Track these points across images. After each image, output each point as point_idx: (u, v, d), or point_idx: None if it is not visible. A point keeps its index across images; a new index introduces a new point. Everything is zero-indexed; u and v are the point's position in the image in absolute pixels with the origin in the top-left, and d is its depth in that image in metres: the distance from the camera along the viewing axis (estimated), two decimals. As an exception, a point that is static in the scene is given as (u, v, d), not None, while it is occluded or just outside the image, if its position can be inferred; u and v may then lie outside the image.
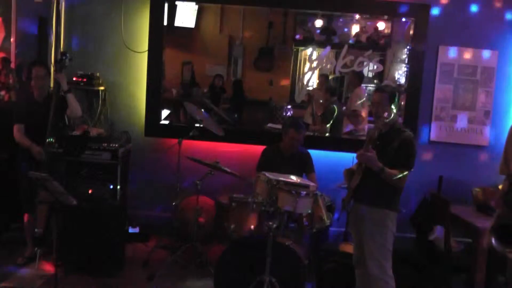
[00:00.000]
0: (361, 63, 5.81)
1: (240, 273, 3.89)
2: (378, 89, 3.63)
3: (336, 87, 7.08)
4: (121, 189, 5.06)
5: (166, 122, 5.80)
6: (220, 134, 4.93)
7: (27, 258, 4.50)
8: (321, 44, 7.50)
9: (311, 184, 3.87)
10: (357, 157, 3.44)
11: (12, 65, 5.42)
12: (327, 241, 4.82)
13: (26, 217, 4.51)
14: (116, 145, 5.07)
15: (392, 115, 3.49)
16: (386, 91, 3.52)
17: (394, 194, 3.53)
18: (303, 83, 7.08)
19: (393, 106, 3.50)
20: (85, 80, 5.34)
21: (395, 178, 3.38)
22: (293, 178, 3.92)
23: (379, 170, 3.34)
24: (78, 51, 5.49)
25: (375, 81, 7.68)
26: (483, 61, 5.42)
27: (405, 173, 3.41)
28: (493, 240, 3.53)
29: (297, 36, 7.84)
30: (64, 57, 4.37)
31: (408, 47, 5.63)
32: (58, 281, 3.63)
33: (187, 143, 4.82)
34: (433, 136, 5.50)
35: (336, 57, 6.08)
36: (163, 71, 5.76)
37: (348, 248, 4.30)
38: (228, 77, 8.14)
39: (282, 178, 3.79)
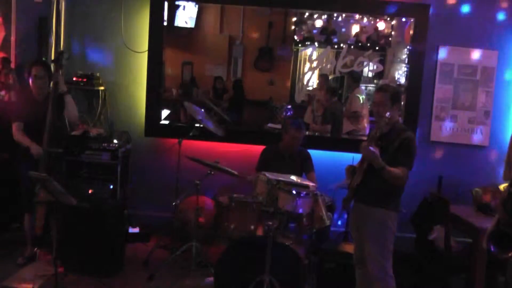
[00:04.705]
0: (361, 63, 5.81)
1: (240, 273, 3.89)
2: (380, 89, 3.62)
3: (337, 87, 7.09)
4: (121, 189, 5.06)
5: (166, 122, 5.79)
6: (220, 134, 4.93)
7: (27, 258, 4.50)
8: (321, 44, 7.52)
9: (311, 184, 3.87)
10: (361, 149, 3.42)
11: (12, 65, 5.42)
12: (327, 241, 4.81)
13: (26, 217, 4.50)
14: (116, 145, 5.07)
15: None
16: (388, 91, 3.52)
17: (395, 194, 3.53)
18: (303, 83, 7.09)
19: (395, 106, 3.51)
20: (85, 80, 5.34)
21: (395, 176, 3.37)
22: (293, 178, 3.92)
23: (380, 167, 3.33)
24: (78, 51, 5.49)
25: (375, 81, 7.69)
26: (483, 61, 5.42)
27: (405, 171, 3.40)
28: (492, 247, 3.52)
29: (297, 36, 7.85)
30: (61, 56, 4.37)
31: (408, 47, 5.63)
32: (58, 281, 3.63)
33: (187, 143, 4.82)
34: (433, 136, 5.50)
35: (336, 57, 6.07)
36: (163, 71, 5.76)
37: (348, 248, 4.30)
38: (228, 77, 8.16)
39: (282, 178, 3.79)
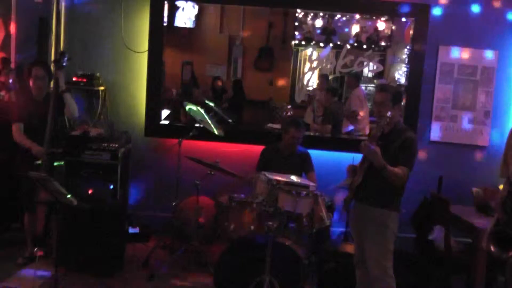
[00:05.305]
0: (361, 63, 5.81)
1: (240, 273, 3.89)
2: (381, 89, 3.61)
3: (337, 87, 7.09)
4: (121, 189, 5.05)
5: (166, 122, 5.80)
6: (220, 134, 4.93)
7: (27, 258, 4.50)
8: (321, 44, 7.52)
9: (311, 184, 3.87)
10: (361, 148, 3.41)
11: (12, 65, 5.42)
12: (327, 241, 4.81)
13: (26, 217, 4.50)
14: (116, 145, 5.06)
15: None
16: (389, 91, 3.52)
17: (396, 194, 3.52)
18: (303, 83, 7.09)
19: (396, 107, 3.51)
20: (85, 80, 5.33)
21: (395, 176, 3.36)
22: (293, 178, 3.92)
23: (381, 167, 3.33)
24: (78, 51, 5.49)
25: (375, 81, 7.70)
26: (483, 61, 5.42)
27: (406, 171, 3.40)
28: (491, 247, 3.53)
29: (297, 36, 7.85)
30: (62, 57, 4.37)
31: (408, 47, 5.63)
32: (58, 281, 3.63)
33: (187, 143, 4.82)
34: (433, 136, 5.50)
35: (336, 57, 6.08)
36: (163, 71, 5.76)
37: (348, 248, 4.30)
38: (228, 77, 8.16)
39: (282, 178, 3.79)
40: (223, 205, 4.37)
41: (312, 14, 7.46)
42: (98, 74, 5.44)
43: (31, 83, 4.39)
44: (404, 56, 6.10)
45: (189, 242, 4.63)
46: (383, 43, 7.53)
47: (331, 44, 6.93)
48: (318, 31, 7.69)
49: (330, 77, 7.13)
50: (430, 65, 5.39)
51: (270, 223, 3.62)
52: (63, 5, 5.48)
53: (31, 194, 4.19)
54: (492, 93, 5.46)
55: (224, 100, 7.53)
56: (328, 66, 6.12)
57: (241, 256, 3.93)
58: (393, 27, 7.27)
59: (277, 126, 5.86)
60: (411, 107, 5.37)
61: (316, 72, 6.75)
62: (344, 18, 7.11)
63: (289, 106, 7.04)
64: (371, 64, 6.25)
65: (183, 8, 7.07)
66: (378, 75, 7.68)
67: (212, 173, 4.65)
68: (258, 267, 3.67)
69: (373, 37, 7.47)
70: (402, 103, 5.28)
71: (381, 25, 7.19)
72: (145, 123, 5.51)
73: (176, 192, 4.79)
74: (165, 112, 5.95)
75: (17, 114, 4.39)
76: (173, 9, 6.62)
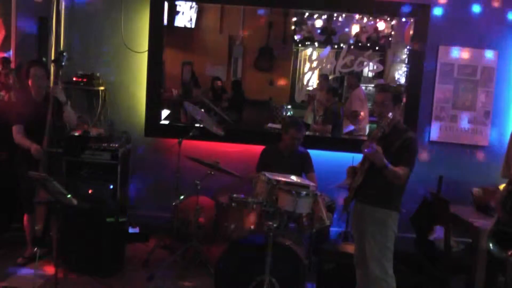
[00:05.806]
0: (361, 63, 5.81)
1: (240, 273, 3.89)
2: (381, 89, 3.61)
3: (337, 87, 7.10)
4: (121, 189, 5.06)
5: (166, 122, 5.80)
6: (220, 134, 4.93)
7: (27, 258, 4.50)
8: (321, 44, 7.53)
9: (311, 184, 3.87)
10: (363, 148, 3.41)
11: (12, 65, 5.41)
12: (327, 241, 4.81)
13: (26, 217, 4.50)
14: (116, 145, 5.07)
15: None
16: (389, 91, 3.52)
17: (397, 194, 3.53)
18: (303, 83, 7.10)
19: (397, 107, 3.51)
20: (85, 80, 5.34)
21: (396, 175, 3.36)
22: (293, 178, 3.92)
23: (382, 166, 3.33)
24: (78, 51, 5.49)
25: (374, 81, 7.71)
26: (483, 61, 5.42)
27: (406, 171, 3.40)
28: (491, 245, 3.53)
29: (297, 36, 7.86)
30: (61, 57, 4.36)
31: (408, 47, 5.63)
32: (58, 281, 3.63)
33: (187, 143, 4.82)
34: (433, 136, 5.50)
35: (336, 57, 6.08)
36: (163, 71, 5.76)
37: (348, 248, 4.29)
38: (228, 77, 8.16)
39: (282, 178, 3.79)
40: (223, 205, 4.37)
41: (312, 14, 7.47)
42: (98, 74, 5.44)
43: (30, 83, 4.39)
44: (404, 56, 6.10)
45: (189, 242, 4.63)
46: (383, 43, 7.53)
47: (329, 46, 6.94)
48: (318, 31, 7.70)
49: (330, 77, 7.14)
50: (430, 65, 5.40)
51: (270, 223, 3.62)
52: (63, 5, 5.48)
53: (30, 194, 4.19)
54: (492, 93, 5.46)
55: (224, 100, 7.53)
56: (328, 66, 6.12)
57: (241, 256, 3.93)
58: (393, 27, 7.27)
59: (277, 126, 5.86)
60: (411, 107, 5.37)
61: (316, 72, 6.75)
62: (344, 18, 7.10)
63: (289, 106, 7.05)
64: (371, 64, 6.26)
65: (183, 12, 7.09)
66: (378, 75, 7.69)
67: (212, 173, 4.65)
68: (258, 267, 3.67)
69: (373, 37, 7.47)
70: (402, 103, 5.29)
71: (381, 25, 7.19)
72: (145, 123, 5.51)
73: (176, 192, 4.79)
74: (165, 112, 5.95)
75: (17, 115, 4.39)
76: (173, 9, 6.62)
